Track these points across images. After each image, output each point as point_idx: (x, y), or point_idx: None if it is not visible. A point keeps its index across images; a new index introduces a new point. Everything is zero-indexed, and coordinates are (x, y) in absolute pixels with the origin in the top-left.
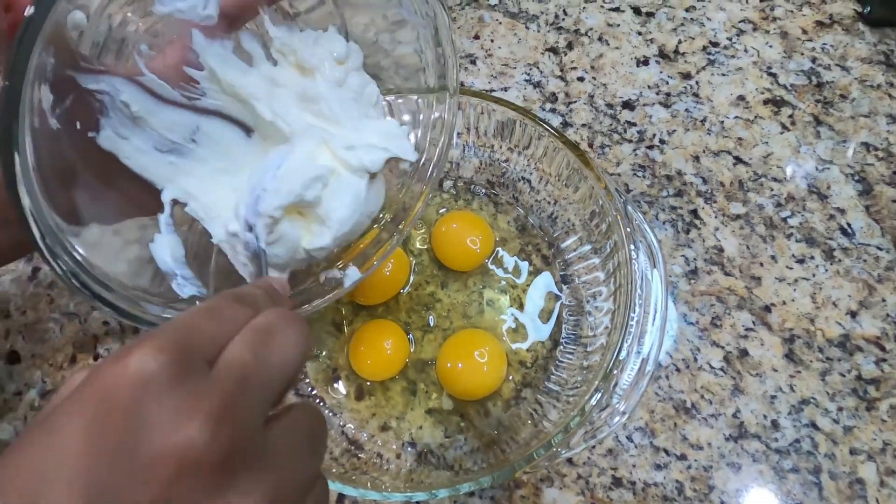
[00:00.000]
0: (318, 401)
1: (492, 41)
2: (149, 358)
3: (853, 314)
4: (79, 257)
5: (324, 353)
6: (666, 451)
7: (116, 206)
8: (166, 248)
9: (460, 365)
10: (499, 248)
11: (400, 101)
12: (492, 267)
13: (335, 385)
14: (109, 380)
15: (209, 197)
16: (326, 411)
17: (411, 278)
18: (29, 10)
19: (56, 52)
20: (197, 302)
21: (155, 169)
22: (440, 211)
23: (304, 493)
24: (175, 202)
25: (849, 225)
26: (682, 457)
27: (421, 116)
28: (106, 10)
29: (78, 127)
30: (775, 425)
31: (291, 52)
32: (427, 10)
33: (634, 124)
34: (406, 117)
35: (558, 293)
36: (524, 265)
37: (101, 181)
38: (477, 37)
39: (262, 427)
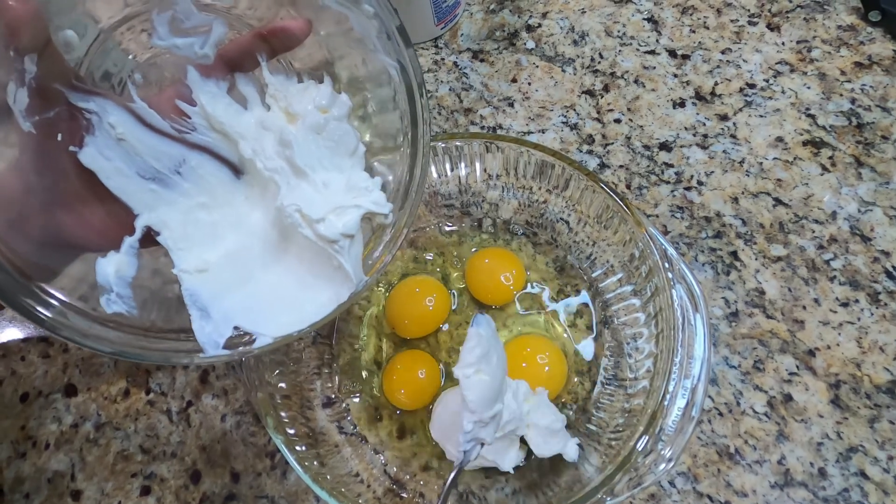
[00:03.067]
0: (360, 439)
1: (529, 84)
2: None
3: None
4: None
5: (367, 391)
6: (710, 498)
7: (91, 229)
8: (112, 265)
9: (524, 364)
10: (540, 289)
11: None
12: (530, 311)
13: (377, 423)
14: None
15: (183, 229)
16: (369, 450)
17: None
18: None
19: (41, 63)
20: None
21: (134, 194)
22: (472, 250)
23: None
24: (148, 229)
25: (894, 268)
26: None
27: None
28: (107, 38)
29: (59, 139)
30: (822, 473)
31: (283, 98)
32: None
33: (672, 165)
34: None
35: (598, 334)
36: (563, 306)
37: (78, 200)
38: (514, 80)
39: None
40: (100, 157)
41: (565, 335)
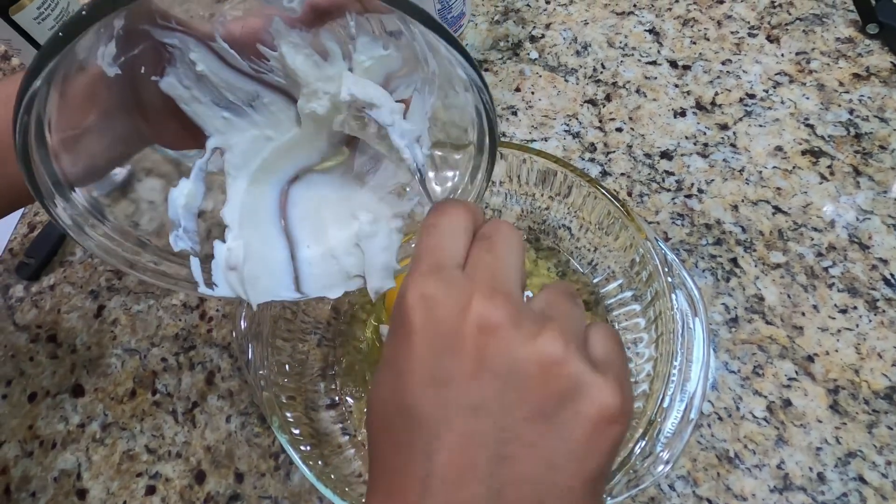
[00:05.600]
0: (363, 441)
1: (532, 93)
2: (423, 277)
3: None
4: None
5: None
6: (709, 501)
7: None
8: (183, 196)
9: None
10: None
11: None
12: None
13: None
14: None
15: (244, 157)
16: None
17: None
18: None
19: (128, 14)
20: (189, 256)
21: (208, 119)
22: None
23: (581, 332)
24: (216, 150)
25: (892, 275)
26: None
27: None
28: None
29: (142, 71)
30: (821, 478)
31: (369, 60)
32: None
33: (672, 174)
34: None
35: None
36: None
37: (156, 114)
38: (518, 89)
39: (524, 300)
40: (179, 85)
41: None
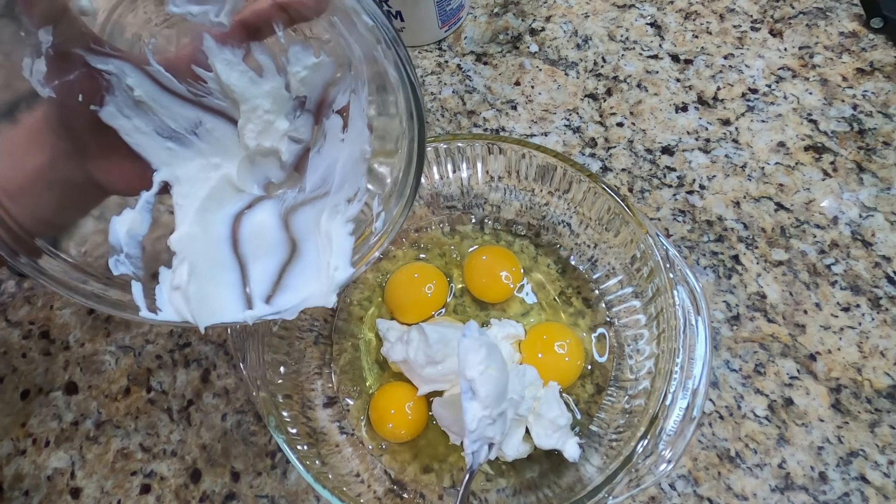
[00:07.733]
0: (360, 440)
1: (532, 87)
2: None
3: None
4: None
5: (366, 391)
6: (710, 501)
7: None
8: (125, 223)
9: (540, 355)
10: (542, 291)
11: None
12: (531, 312)
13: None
14: None
15: (194, 188)
16: (367, 454)
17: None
18: None
19: (56, 31)
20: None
21: (153, 150)
22: (470, 250)
23: None
24: (164, 184)
25: (895, 273)
26: None
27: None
28: (121, 3)
29: (80, 99)
30: (823, 477)
31: (304, 71)
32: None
33: (674, 169)
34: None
35: (599, 336)
36: (566, 308)
37: (102, 153)
38: (518, 83)
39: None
40: (119, 115)
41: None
